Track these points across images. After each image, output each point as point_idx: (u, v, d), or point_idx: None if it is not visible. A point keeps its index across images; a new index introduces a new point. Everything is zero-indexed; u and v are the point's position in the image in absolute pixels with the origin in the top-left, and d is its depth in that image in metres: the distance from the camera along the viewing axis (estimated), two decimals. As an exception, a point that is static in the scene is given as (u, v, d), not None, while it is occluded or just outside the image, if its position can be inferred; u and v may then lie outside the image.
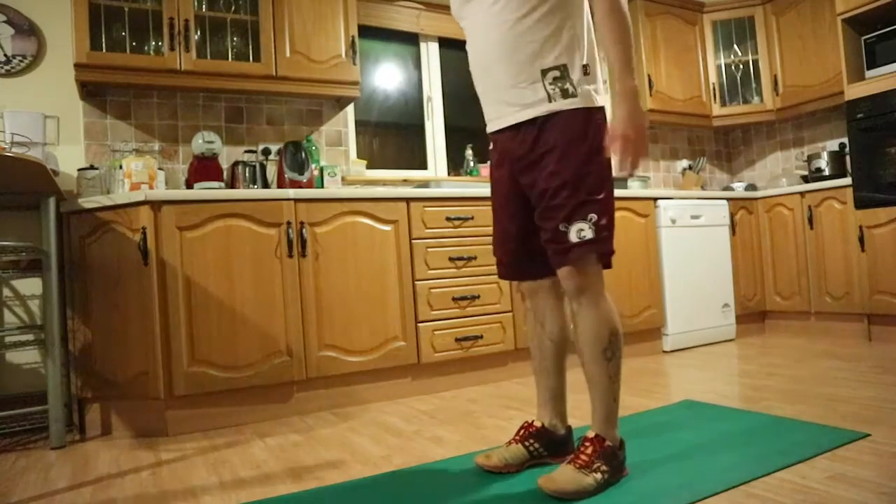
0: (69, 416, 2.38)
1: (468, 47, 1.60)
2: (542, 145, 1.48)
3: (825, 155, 3.79)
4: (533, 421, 1.70)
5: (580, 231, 1.45)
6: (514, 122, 1.52)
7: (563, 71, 1.46)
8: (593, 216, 1.45)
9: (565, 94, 1.46)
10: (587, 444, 1.48)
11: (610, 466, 1.45)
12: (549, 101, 1.46)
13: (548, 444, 1.66)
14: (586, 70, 1.47)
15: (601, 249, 1.47)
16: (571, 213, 1.44)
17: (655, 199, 3.44)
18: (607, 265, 1.55)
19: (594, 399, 1.52)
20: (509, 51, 1.47)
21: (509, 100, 1.51)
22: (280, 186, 2.91)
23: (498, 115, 1.57)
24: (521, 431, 1.68)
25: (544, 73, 1.46)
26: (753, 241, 3.89)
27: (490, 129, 1.62)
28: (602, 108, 1.50)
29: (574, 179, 1.44)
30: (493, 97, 1.56)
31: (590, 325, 1.50)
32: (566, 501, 1.40)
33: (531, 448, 1.65)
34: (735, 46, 4.23)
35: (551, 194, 1.46)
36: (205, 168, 2.77)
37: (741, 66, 4.21)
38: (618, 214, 3.28)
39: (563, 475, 1.43)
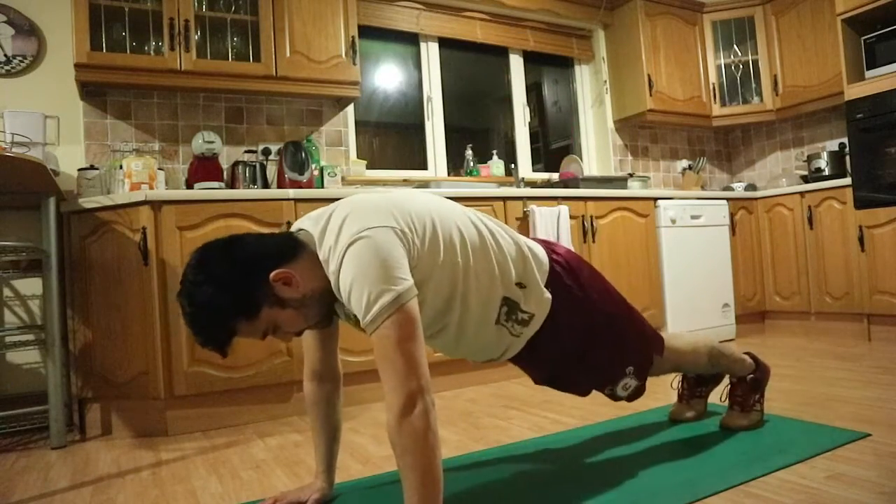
0: (69, 416, 2.38)
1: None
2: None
3: (825, 155, 3.79)
4: (674, 383, 2.04)
5: (626, 386, 1.63)
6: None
7: (510, 304, 1.40)
8: (630, 368, 1.62)
9: (524, 323, 1.43)
10: (737, 388, 1.86)
11: (760, 390, 1.85)
12: (518, 338, 1.45)
13: (704, 382, 1.98)
14: (522, 285, 1.40)
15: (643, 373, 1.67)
16: (609, 375, 1.64)
17: (655, 199, 3.44)
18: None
19: (723, 372, 1.90)
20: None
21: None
22: (280, 186, 2.91)
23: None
24: (685, 394, 2.00)
25: (497, 321, 1.40)
26: (753, 241, 3.89)
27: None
28: (552, 273, 1.47)
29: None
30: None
31: (688, 370, 1.91)
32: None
33: (698, 394, 1.98)
34: (735, 46, 4.23)
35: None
36: (205, 168, 2.77)
37: (741, 67, 4.21)
38: (618, 214, 3.29)
39: (736, 419, 1.83)
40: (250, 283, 1.16)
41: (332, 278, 1.18)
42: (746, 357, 1.84)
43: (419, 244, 1.20)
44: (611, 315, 1.54)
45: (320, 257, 1.21)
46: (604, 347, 1.52)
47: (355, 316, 1.17)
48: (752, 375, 1.82)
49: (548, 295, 1.43)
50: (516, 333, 1.43)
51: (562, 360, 1.53)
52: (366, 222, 1.15)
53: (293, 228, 1.32)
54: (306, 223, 1.29)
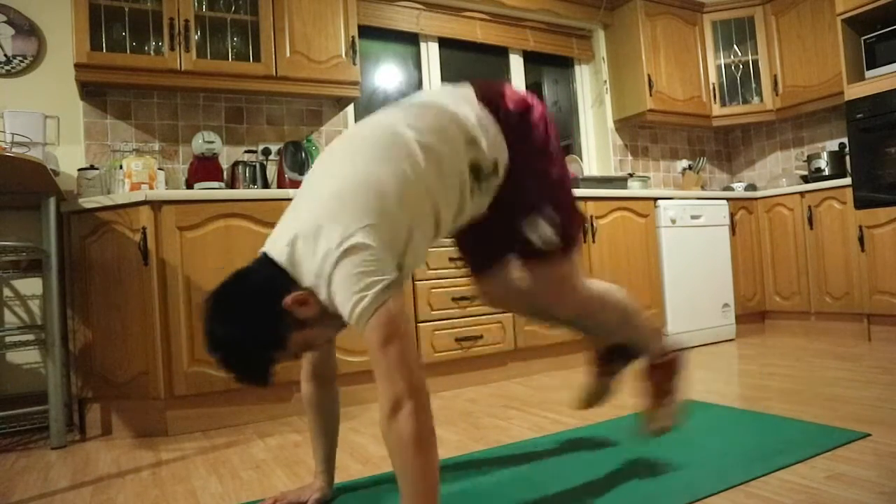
0: (69, 416, 2.38)
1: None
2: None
3: (825, 155, 3.79)
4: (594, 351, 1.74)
5: (544, 237, 1.41)
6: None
7: (476, 173, 1.33)
8: (552, 214, 1.40)
9: (494, 172, 1.34)
10: (652, 375, 1.61)
11: (679, 370, 1.61)
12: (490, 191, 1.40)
13: (619, 355, 1.69)
14: (471, 140, 1.29)
15: (569, 250, 1.44)
16: (522, 212, 1.43)
17: (655, 199, 3.44)
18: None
19: (638, 347, 1.61)
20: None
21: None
22: (280, 186, 2.91)
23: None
24: (596, 368, 1.73)
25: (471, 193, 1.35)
26: (753, 241, 3.89)
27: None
28: (510, 122, 1.36)
29: (532, 199, 1.44)
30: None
31: (605, 324, 1.58)
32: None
33: (611, 369, 1.71)
34: (735, 46, 4.23)
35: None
36: (205, 168, 2.77)
37: (741, 67, 4.21)
38: (618, 214, 3.29)
39: (661, 416, 1.61)
40: (270, 318, 1.16)
41: (322, 297, 1.16)
42: (659, 337, 1.62)
43: (393, 215, 1.16)
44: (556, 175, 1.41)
45: (306, 283, 1.16)
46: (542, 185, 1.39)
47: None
48: (664, 358, 1.59)
49: (495, 133, 1.32)
50: (490, 188, 1.35)
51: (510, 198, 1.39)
52: (339, 233, 1.11)
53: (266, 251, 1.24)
54: (270, 246, 1.23)
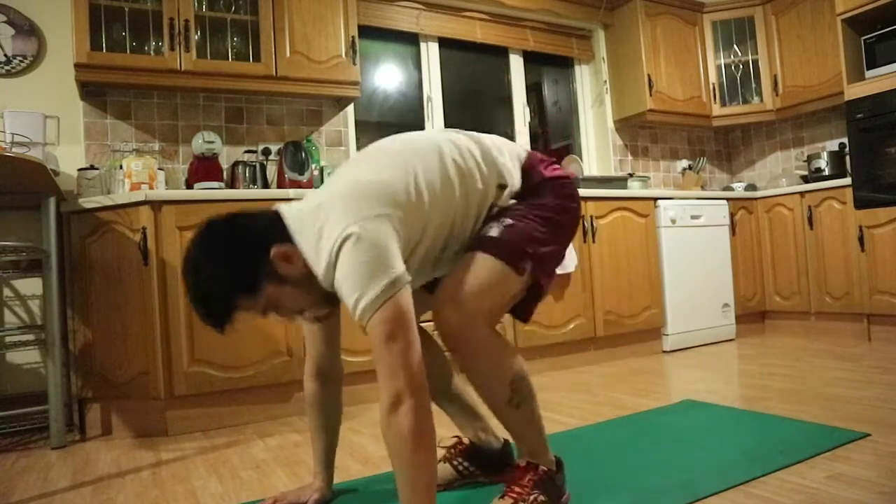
0: (69, 416, 2.38)
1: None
2: None
3: (825, 155, 3.79)
4: (462, 437, 1.57)
5: (487, 228, 1.29)
6: None
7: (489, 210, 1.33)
8: (507, 220, 1.29)
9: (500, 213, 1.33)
10: (519, 473, 1.31)
11: (548, 495, 1.30)
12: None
13: (479, 461, 1.53)
14: (502, 186, 1.32)
15: (499, 252, 1.25)
16: (488, 221, 1.32)
17: (655, 199, 3.44)
18: (535, 296, 1.36)
19: (514, 438, 1.35)
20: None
21: None
22: (280, 186, 2.91)
23: None
24: (451, 448, 1.54)
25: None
26: (753, 241, 3.89)
27: None
28: (540, 179, 1.36)
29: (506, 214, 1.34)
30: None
31: (482, 383, 1.28)
32: None
33: (460, 467, 1.53)
34: (735, 46, 4.23)
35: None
36: (205, 168, 2.77)
37: (741, 67, 4.21)
38: (618, 214, 3.29)
39: None
40: (252, 259, 1.15)
41: (321, 276, 1.16)
42: (549, 449, 1.35)
43: (407, 214, 1.17)
44: (543, 226, 1.34)
45: (305, 255, 1.17)
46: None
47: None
48: (545, 468, 1.32)
49: (517, 181, 1.35)
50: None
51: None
52: (351, 215, 1.11)
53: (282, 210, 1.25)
54: (286, 208, 1.25)
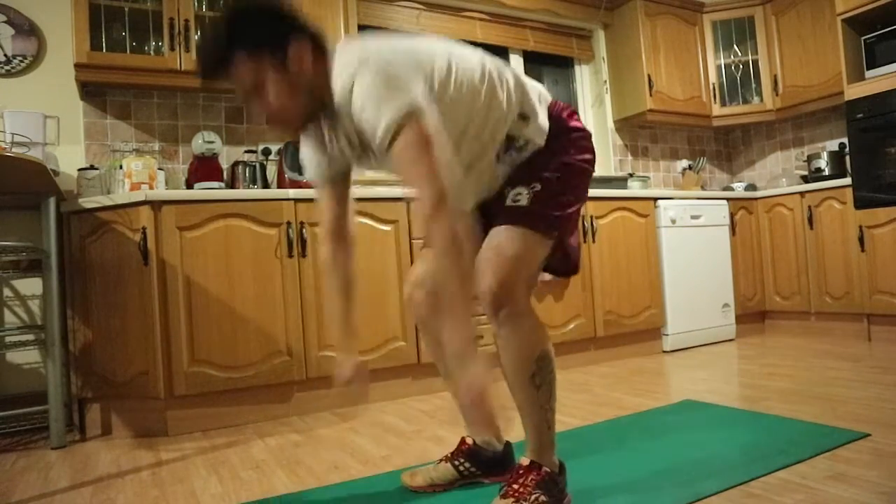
0: (69, 416, 2.38)
1: None
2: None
3: (825, 155, 3.79)
4: (465, 437, 1.56)
5: (517, 195, 1.31)
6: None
7: (510, 140, 1.36)
8: (536, 186, 1.31)
9: (522, 150, 1.36)
10: (521, 472, 1.31)
11: (549, 496, 1.28)
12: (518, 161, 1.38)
13: (481, 462, 1.52)
14: (527, 121, 1.35)
15: (531, 223, 1.29)
16: (517, 179, 1.34)
17: (655, 199, 3.44)
18: (566, 271, 1.43)
19: (525, 426, 1.33)
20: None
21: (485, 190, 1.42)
22: (280, 186, 2.91)
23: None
24: (455, 449, 1.55)
25: (498, 157, 1.36)
26: (753, 241, 3.89)
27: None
28: (560, 119, 1.39)
29: (532, 171, 1.35)
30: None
31: (513, 347, 1.28)
32: None
33: (461, 468, 1.52)
34: (735, 46, 4.23)
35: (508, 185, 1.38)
36: (205, 168, 2.77)
37: (741, 67, 4.21)
38: (618, 214, 3.29)
39: None
40: (273, 34, 1.19)
41: (338, 96, 1.19)
42: (554, 449, 1.35)
43: (439, 80, 1.22)
44: (567, 184, 1.36)
45: (335, 92, 1.21)
46: (540, 178, 1.34)
47: (360, 145, 1.25)
48: (548, 469, 1.31)
49: (545, 122, 1.37)
50: (510, 161, 1.37)
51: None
52: (372, 51, 1.17)
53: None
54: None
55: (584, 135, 1.42)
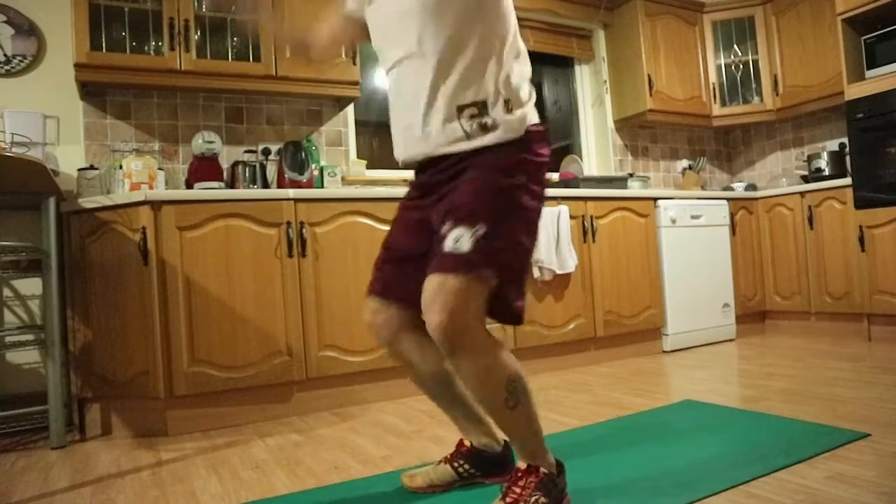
0: (69, 416, 2.38)
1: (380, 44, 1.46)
2: (460, 177, 1.30)
3: (825, 155, 3.79)
4: (463, 439, 1.54)
5: (458, 239, 1.20)
6: (427, 156, 1.35)
7: (482, 107, 1.29)
8: (480, 229, 1.20)
9: (484, 129, 1.28)
10: (520, 475, 1.29)
11: (549, 498, 1.27)
12: (468, 139, 1.29)
13: (480, 463, 1.51)
14: (508, 105, 1.30)
15: (471, 269, 1.19)
16: (459, 215, 1.23)
17: (655, 199, 3.44)
18: (515, 320, 1.32)
19: (512, 441, 1.32)
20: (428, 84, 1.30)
21: (422, 135, 1.33)
22: (280, 186, 2.91)
23: (411, 150, 1.39)
24: (454, 451, 1.54)
25: (460, 109, 1.29)
26: (753, 241, 3.89)
27: (403, 158, 1.42)
28: (535, 134, 1.32)
29: (480, 201, 1.24)
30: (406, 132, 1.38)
31: (476, 381, 1.24)
32: None
33: (460, 469, 1.51)
34: (735, 46, 4.23)
35: (451, 208, 1.27)
36: (205, 168, 2.77)
37: (741, 67, 4.21)
38: (618, 214, 3.29)
39: None
40: None
41: None
42: (548, 452, 1.33)
43: None
44: (515, 218, 1.27)
45: None
46: (486, 209, 1.24)
47: None
48: (546, 470, 1.30)
49: (523, 119, 1.31)
50: (464, 134, 1.28)
51: (458, 200, 1.27)
52: None
53: None
54: None
55: (547, 165, 1.35)
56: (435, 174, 1.36)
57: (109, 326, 2.33)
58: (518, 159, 1.29)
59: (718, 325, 3.60)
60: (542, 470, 1.30)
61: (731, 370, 2.81)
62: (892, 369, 2.57)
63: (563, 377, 2.90)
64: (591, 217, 3.20)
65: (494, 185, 1.26)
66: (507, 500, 1.27)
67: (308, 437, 2.13)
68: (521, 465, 1.32)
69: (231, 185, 2.90)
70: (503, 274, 1.25)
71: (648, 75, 3.90)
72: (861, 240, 3.33)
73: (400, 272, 1.40)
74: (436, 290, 1.20)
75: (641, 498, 1.39)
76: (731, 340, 3.65)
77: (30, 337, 2.44)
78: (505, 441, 1.53)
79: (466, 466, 1.52)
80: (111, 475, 1.82)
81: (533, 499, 1.26)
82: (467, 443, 1.54)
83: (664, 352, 3.40)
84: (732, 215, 3.78)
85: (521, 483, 1.28)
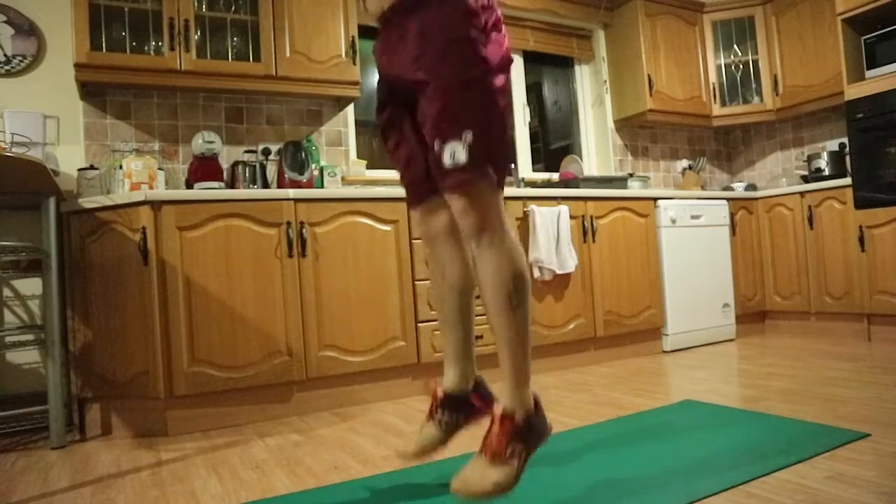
0: (69, 416, 2.38)
1: None
2: (410, 40, 1.29)
3: (825, 155, 3.79)
4: (436, 390, 1.51)
5: (453, 154, 1.25)
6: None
7: None
8: (468, 134, 1.24)
9: None
10: (495, 427, 1.27)
11: (526, 442, 1.27)
12: None
13: (457, 407, 1.48)
14: None
15: (475, 176, 1.25)
16: (444, 130, 1.25)
17: (655, 199, 3.44)
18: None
19: (502, 359, 1.33)
20: None
21: None
22: (280, 186, 2.91)
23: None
24: (430, 405, 1.51)
25: None
26: (753, 241, 3.89)
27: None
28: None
29: (444, 83, 1.25)
30: None
31: (491, 268, 1.29)
32: (489, 501, 1.22)
33: (442, 423, 1.47)
34: (735, 46, 4.23)
35: (426, 102, 1.28)
36: (205, 168, 2.77)
37: (741, 67, 4.21)
38: (618, 214, 3.29)
39: (475, 474, 1.24)
40: None
41: None
42: (529, 382, 1.35)
43: None
44: (491, 84, 1.28)
45: None
46: (456, 101, 1.26)
47: None
48: (524, 415, 1.29)
49: None
50: None
51: (427, 92, 1.28)
52: None
53: None
54: None
55: (499, 16, 1.34)
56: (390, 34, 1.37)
57: (109, 326, 2.33)
58: (463, 9, 1.26)
59: (718, 325, 3.60)
60: (517, 415, 1.28)
61: (731, 370, 2.82)
62: (892, 369, 2.57)
63: (563, 377, 2.90)
64: (591, 217, 3.20)
65: (450, 57, 1.26)
66: (486, 455, 1.25)
67: (308, 437, 2.13)
68: (497, 410, 1.29)
69: (231, 185, 2.90)
70: (506, 156, 1.35)
71: (648, 75, 3.90)
72: (861, 240, 3.33)
73: (419, 186, 1.47)
74: (461, 207, 1.28)
75: (641, 498, 1.39)
76: (731, 340, 3.65)
77: (30, 337, 2.44)
78: (475, 378, 1.52)
79: (446, 417, 1.48)
80: (111, 475, 1.82)
81: (510, 450, 1.25)
82: (440, 392, 1.51)
83: (664, 352, 3.40)
84: (732, 215, 3.78)
85: (497, 435, 1.26)
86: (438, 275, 1.52)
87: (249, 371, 2.36)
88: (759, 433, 1.80)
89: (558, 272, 3.00)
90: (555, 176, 3.93)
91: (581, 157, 4.15)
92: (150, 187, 2.55)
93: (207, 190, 2.48)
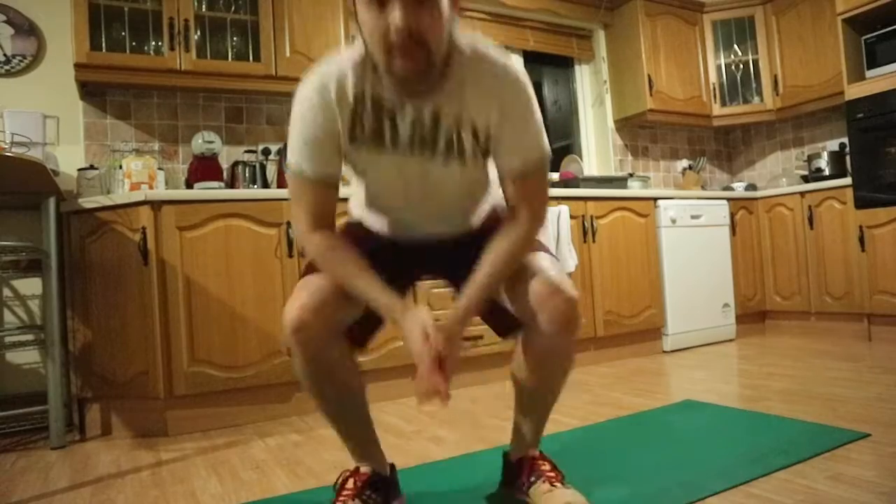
0: (69, 416, 2.38)
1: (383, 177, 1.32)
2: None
3: (825, 155, 3.79)
4: (359, 468, 1.38)
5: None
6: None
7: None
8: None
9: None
10: (547, 464, 1.39)
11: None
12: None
13: (383, 489, 1.37)
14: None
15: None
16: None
17: (655, 199, 3.44)
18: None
19: (536, 423, 1.42)
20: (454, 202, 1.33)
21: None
22: (280, 186, 2.91)
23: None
24: (351, 483, 1.35)
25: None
26: (753, 241, 3.89)
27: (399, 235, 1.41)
28: None
29: None
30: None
31: (569, 357, 1.45)
32: None
33: (370, 501, 1.33)
34: (735, 46, 4.23)
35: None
36: (205, 168, 2.77)
37: (741, 66, 4.21)
38: (618, 214, 3.29)
39: (576, 497, 1.30)
40: None
41: (471, 78, 1.16)
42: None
43: None
44: None
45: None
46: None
47: (431, 135, 1.20)
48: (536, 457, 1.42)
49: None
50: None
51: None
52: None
53: None
54: None
55: None
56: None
57: (109, 326, 2.33)
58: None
59: (718, 325, 3.60)
60: (544, 453, 1.43)
61: (731, 370, 2.81)
62: (892, 369, 2.57)
63: (563, 377, 2.90)
64: (591, 217, 3.19)
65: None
66: (559, 482, 1.34)
67: (308, 437, 2.13)
68: (535, 453, 1.41)
69: (231, 185, 2.90)
70: None
71: (648, 75, 3.90)
72: (861, 240, 3.33)
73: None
74: (551, 265, 1.30)
75: (641, 498, 1.39)
76: (730, 340, 3.65)
77: (30, 337, 2.44)
78: (390, 465, 1.45)
79: (374, 496, 1.35)
80: (111, 475, 1.82)
81: (560, 477, 1.37)
82: (363, 470, 1.38)
83: (664, 352, 3.40)
84: (732, 215, 3.78)
85: (545, 466, 1.38)
86: (344, 390, 1.43)
87: (249, 371, 2.36)
88: (758, 433, 1.80)
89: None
90: (555, 176, 3.93)
91: (581, 157, 4.14)
92: (150, 187, 2.55)
93: (207, 190, 2.48)
